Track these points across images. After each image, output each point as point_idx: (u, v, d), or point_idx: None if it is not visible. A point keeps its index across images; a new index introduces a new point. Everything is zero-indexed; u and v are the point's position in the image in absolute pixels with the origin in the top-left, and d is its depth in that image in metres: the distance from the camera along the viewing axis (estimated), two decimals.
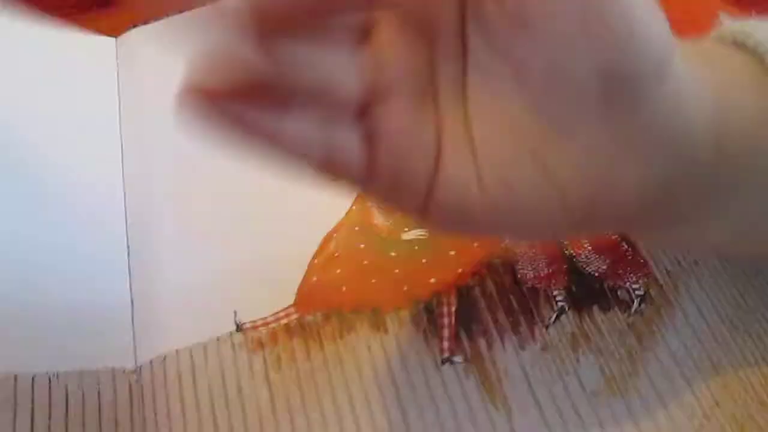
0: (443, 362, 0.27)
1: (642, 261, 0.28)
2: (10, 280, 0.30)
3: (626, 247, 0.29)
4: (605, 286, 0.28)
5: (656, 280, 0.28)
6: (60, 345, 0.29)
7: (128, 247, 0.32)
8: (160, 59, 0.38)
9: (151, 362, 0.29)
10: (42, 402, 0.27)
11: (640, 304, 0.27)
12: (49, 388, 0.28)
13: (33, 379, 0.28)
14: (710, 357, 0.26)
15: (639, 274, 0.28)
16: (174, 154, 0.35)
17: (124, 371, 0.29)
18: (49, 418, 0.27)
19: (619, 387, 0.26)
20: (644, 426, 0.25)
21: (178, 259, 0.31)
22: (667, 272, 0.28)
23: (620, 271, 0.28)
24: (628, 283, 0.28)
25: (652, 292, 0.28)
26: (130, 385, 0.29)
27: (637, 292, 0.28)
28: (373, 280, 0.29)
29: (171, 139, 0.35)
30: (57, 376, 0.28)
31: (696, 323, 0.27)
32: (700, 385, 0.26)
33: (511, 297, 0.28)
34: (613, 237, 0.29)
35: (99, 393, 0.28)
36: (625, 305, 0.27)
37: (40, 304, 0.30)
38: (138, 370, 0.29)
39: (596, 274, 0.28)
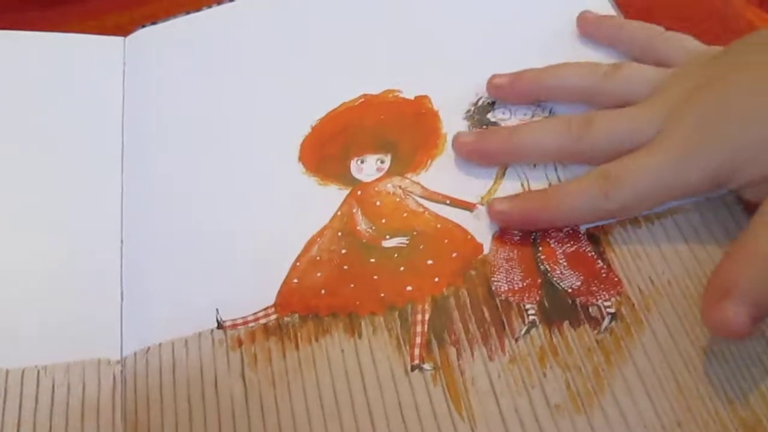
0: (413, 369, 0.28)
1: (616, 279, 0.29)
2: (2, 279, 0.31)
3: (601, 264, 0.29)
4: (577, 302, 0.28)
5: (629, 298, 0.28)
6: (49, 339, 0.30)
7: (121, 245, 0.33)
8: (167, 59, 0.39)
9: (135, 354, 0.30)
10: (29, 393, 0.29)
11: (610, 322, 0.28)
12: (37, 380, 0.29)
13: (23, 373, 0.29)
14: (676, 378, 0.26)
15: (612, 292, 0.28)
16: (171, 155, 0.36)
17: (109, 362, 0.30)
18: (36, 409, 0.29)
19: (583, 403, 0.26)
20: None
21: (166, 257, 0.32)
22: (640, 291, 0.28)
23: (593, 288, 0.28)
24: (600, 300, 0.28)
25: (624, 310, 0.28)
26: (114, 376, 0.30)
27: (608, 310, 0.28)
28: (352, 285, 0.30)
29: (169, 140, 0.36)
30: (45, 369, 0.29)
31: (665, 343, 0.27)
32: (663, 405, 0.26)
33: (484, 308, 0.29)
34: (590, 254, 0.29)
35: (84, 383, 0.30)
36: (596, 322, 0.28)
37: (30, 300, 0.31)
38: (123, 361, 0.30)
39: (570, 290, 0.29)
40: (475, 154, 0.32)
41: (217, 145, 0.36)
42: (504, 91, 0.34)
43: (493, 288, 0.29)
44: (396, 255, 0.31)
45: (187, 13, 0.41)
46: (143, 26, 0.41)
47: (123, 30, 0.41)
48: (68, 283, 0.32)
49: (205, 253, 0.32)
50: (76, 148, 0.36)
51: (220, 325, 0.30)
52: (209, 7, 0.41)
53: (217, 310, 0.30)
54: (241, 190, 0.34)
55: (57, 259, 0.32)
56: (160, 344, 0.30)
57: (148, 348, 0.30)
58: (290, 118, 0.35)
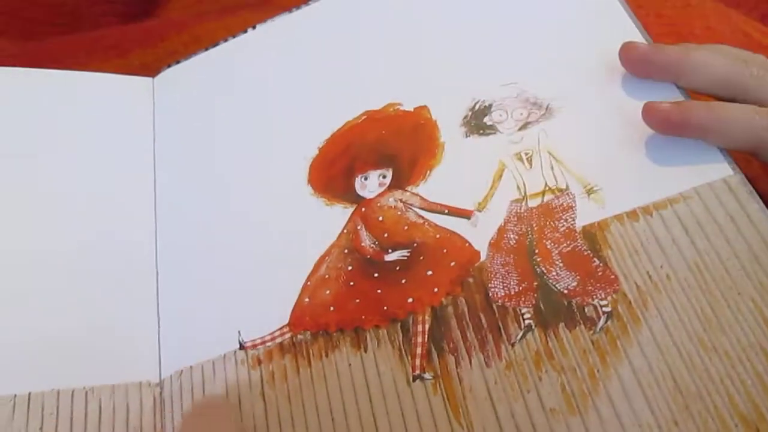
0: (414, 379, 0.29)
1: (612, 277, 0.28)
2: (52, 307, 0.35)
3: (597, 263, 0.29)
4: (573, 303, 0.28)
5: (625, 295, 0.28)
6: (96, 364, 0.34)
7: (157, 276, 0.36)
8: (191, 96, 0.42)
9: (171, 376, 0.33)
10: (79, 413, 0.32)
11: (606, 321, 0.28)
12: (86, 401, 0.33)
13: (72, 393, 0.33)
14: (673, 375, 0.26)
15: (608, 290, 0.28)
16: (198, 188, 0.38)
17: (149, 384, 0.33)
18: (85, 427, 0.32)
19: (578, 405, 0.26)
20: None
21: (196, 286, 0.35)
22: (637, 287, 0.28)
23: (589, 288, 0.28)
24: (596, 300, 0.28)
25: (620, 308, 0.28)
26: (154, 397, 0.33)
27: (604, 309, 0.28)
28: (357, 301, 0.32)
29: (196, 173, 0.39)
30: (93, 390, 0.33)
31: (662, 341, 0.27)
32: (660, 404, 0.26)
33: (481, 315, 0.29)
34: (585, 253, 0.29)
35: (128, 404, 0.33)
36: (591, 322, 0.28)
37: (79, 328, 0.35)
38: (161, 383, 0.33)
39: (566, 291, 0.29)
40: (672, 127, 0.31)
41: (237, 176, 0.38)
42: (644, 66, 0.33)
43: (490, 294, 0.30)
44: (398, 268, 0.32)
45: (206, 48, 0.43)
46: (168, 65, 0.44)
47: (148, 68, 0.44)
48: (111, 312, 0.35)
49: (227, 278, 0.35)
50: (113, 183, 0.39)
51: (242, 346, 0.32)
52: (225, 40, 0.43)
53: (239, 332, 0.33)
54: (258, 217, 0.36)
55: (100, 288, 0.36)
56: (191, 367, 0.33)
57: (182, 371, 0.33)
58: (299, 143, 0.37)
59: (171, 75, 0.44)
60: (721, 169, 0.29)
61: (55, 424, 0.32)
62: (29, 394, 0.32)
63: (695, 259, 0.28)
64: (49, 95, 0.42)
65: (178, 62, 0.44)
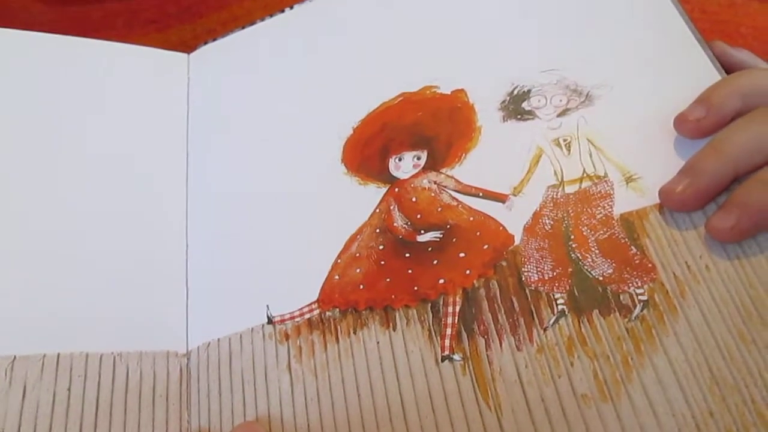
0: (443, 359, 0.29)
1: (650, 265, 0.28)
2: (83, 272, 0.35)
3: (635, 251, 0.28)
4: (608, 290, 0.28)
5: (662, 285, 0.27)
6: (125, 330, 0.34)
7: (186, 249, 0.36)
8: (226, 73, 0.42)
9: (198, 348, 0.33)
10: (107, 377, 0.32)
11: (642, 310, 0.27)
12: (114, 365, 0.33)
13: (101, 357, 0.33)
14: (710, 367, 0.25)
15: (645, 279, 0.28)
16: (230, 163, 0.38)
17: (176, 354, 0.33)
18: (112, 391, 0.32)
19: (610, 392, 0.26)
20: None
21: (224, 259, 0.35)
22: (675, 277, 0.27)
23: (625, 275, 0.28)
24: (632, 288, 0.28)
25: (657, 297, 0.27)
26: (180, 367, 0.33)
27: (640, 297, 0.27)
28: (388, 280, 0.31)
29: (228, 149, 0.39)
30: (121, 356, 0.33)
31: (700, 332, 0.26)
32: (696, 395, 0.25)
33: (514, 299, 0.29)
34: (623, 240, 0.29)
35: (155, 372, 0.33)
36: (627, 310, 0.27)
37: (109, 295, 0.35)
38: (188, 354, 0.33)
39: (601, 278, 0.28)
40: (706, 129, 0.30)
41: (270, 153, 0.38)
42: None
43: (524, 278, 0.29)
44: (430, 249, 0.31)
45: (243, 27, 0.43)
46: (205, 42, 0.44)
47: (186, 45, 0.44)
48: (142, 282, 0.35)
49: (257, 254, 0.35)
50: (146, 156, 0.39)
51: (270, 321, 0.32)
52: (262, 19, 0.43)
53: (267, 306, 0.33)
54: (290, 194, 0.36)
55: (132, 260, 0.36)
56: (218, 339, 0.33)
57: (209, 343, 0.33)
58: (334, 122, 0.37)
59: (207, 52, 0.44)
60: None
61: (83, 385, 0.32)
62: (58, 354, 0.32)
63: (736, 251, 0.27)
64: (85, 64, 0.42)
65: (214, 39, 0.44)
